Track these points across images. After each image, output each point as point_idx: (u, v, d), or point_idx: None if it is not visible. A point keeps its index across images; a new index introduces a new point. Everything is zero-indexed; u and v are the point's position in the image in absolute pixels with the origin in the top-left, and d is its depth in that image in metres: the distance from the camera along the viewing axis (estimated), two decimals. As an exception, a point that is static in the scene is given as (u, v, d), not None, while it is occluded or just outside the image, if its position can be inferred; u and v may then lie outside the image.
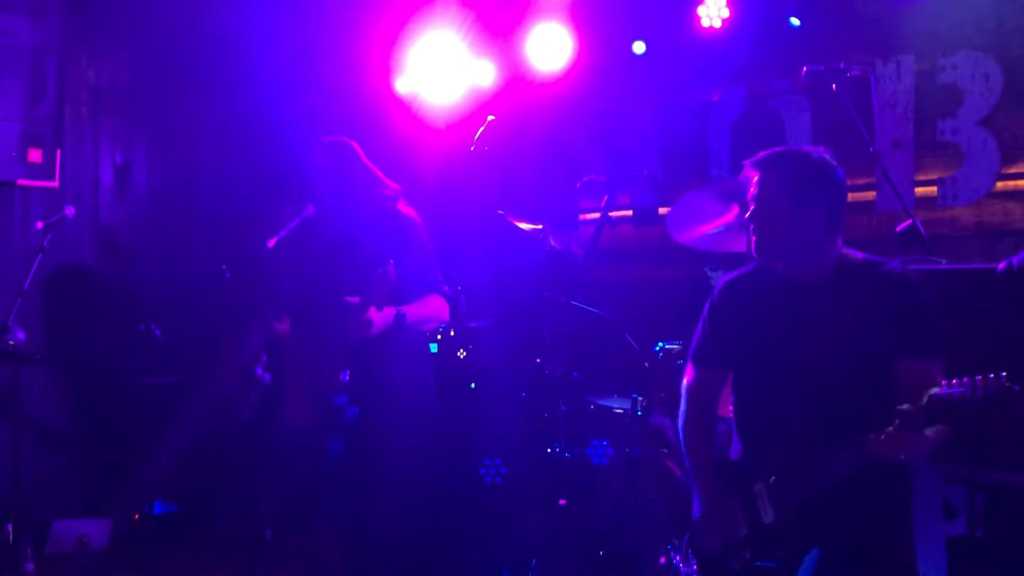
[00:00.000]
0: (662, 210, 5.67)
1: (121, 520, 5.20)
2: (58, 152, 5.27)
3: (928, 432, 2.30)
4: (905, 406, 2.29)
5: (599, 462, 3.99)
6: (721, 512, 2.66)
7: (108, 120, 5.88)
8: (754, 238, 2.61)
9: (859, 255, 2.65)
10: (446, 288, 3.73)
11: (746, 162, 2.66)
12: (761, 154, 2.64)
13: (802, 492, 2.51)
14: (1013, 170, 4.64)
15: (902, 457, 2.38)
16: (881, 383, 2.50)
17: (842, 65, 3.95)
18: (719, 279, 2.89)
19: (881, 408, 2.40)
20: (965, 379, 2.23)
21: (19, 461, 4.15)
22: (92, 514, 5.26)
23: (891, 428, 2.30)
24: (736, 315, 2.74)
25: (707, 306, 2.85)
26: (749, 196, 2.60)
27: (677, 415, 2.97)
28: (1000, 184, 4.66)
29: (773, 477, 2.56)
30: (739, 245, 3.78)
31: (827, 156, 2.60)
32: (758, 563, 2.57)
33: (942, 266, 3.47)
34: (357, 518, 3.63)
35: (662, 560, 3.83)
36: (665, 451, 4.25)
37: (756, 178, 2.59)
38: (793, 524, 2.53)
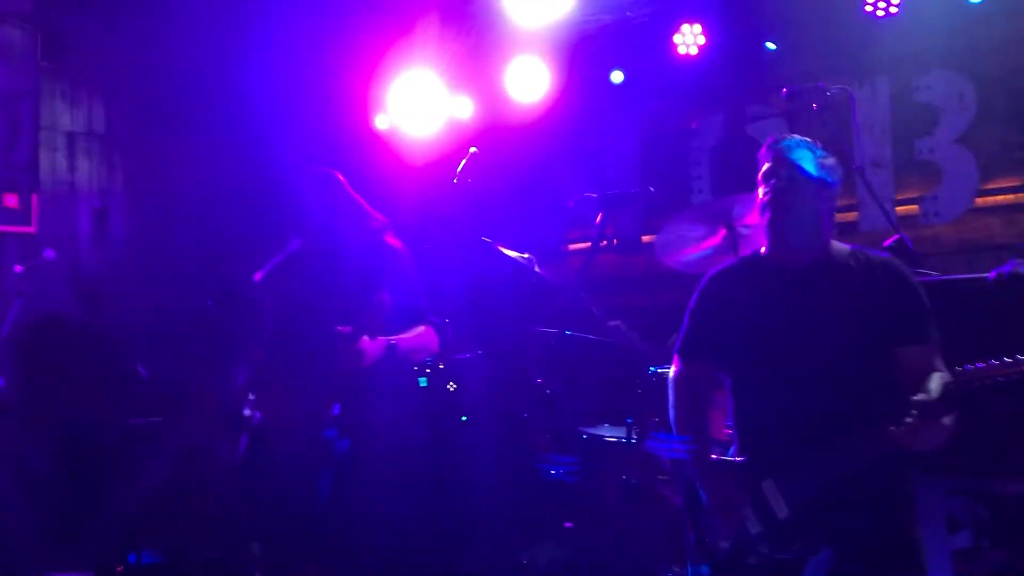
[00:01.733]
0: (646, 238, 5.69)
1: (103, 573, 5.05)
2: (34, 197, 5.21)
3: (945, 421, 2.28)
4: (922, 396, 2.27)
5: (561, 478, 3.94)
6: (729, 500, 2.60)
7: (84, 164, 5.83)
8: (770, 213, 2.61)
9: (847, 245, 2.68)
10: (434, 319, 3.69)
11: (770, 142, 2.69)
12: (770, 144, 2.68)
13: (815, 486, 2.48)
14: (991, 186, 4.69)
15: (920, 448, 2.34)
16: (882, 370, 2.50)
17: (821, 85, 4.00)
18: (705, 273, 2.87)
19: (885, 395, 2.39)
20: (979, 364, 2.23)
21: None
22: (74, 567, 5.11)
23: (909, 419, 2.28)
24: (727, 307, 2.72)
25: (694, 299, 2.83)
26: (770, 173, 2.62)
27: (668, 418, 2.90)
28: (979, 200, 4.72)
29: (782, 472, 2.52)
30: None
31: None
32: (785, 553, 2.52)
33: (934, 277, 3.48)
34: (348, 554, 3.55)
35: (663, 588, 3.77)
36: (661, 478, 4.20)
37: (784, 155, 2.61)
38: (809, 518, 2.49)
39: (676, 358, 2.88)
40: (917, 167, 4.91)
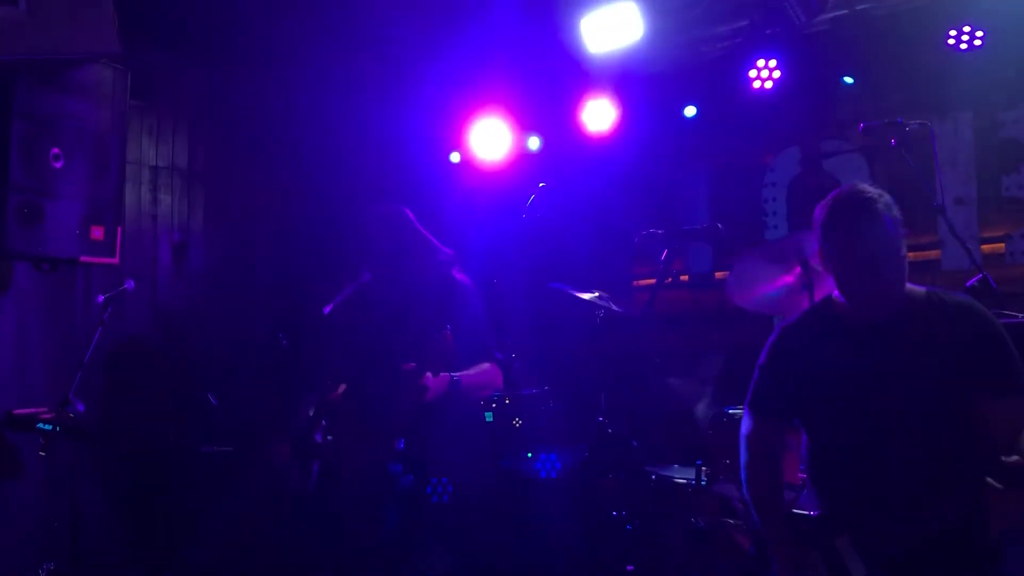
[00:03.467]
0: (719, 274, 5.60)
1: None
2: (119, 230, 5.38)
3: None
4: (1014, 458, 2.17)
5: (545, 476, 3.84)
6: (801, 566, 2.51)
7: (166, 198, 6.03)
8: (857, 286, 2.47)
9: (921, 288, 2.54)
10: (499, 355, 3.67)
11: (837, 195, 2.53)
12: (840, 200, 2.51)
13: (896, 547, 2.37)
14: (1083, 224, 4.49)
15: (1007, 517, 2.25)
16: (970, 424, 2.36)
17: (900, 120, 3.89)
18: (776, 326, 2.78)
19: (974, 451, 2.27)
20: None
21: (78, 537, 4.12)
22: (145, 592, 5.21)
23: (996, 484, 2.19)
24: (801, 361, 2.61)
25: (765, 353, 2.73)
26: (851, 230, 2.45)
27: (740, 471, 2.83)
28: (1072, 238, 4.51)
29: (861, 530, 2.41)
30: (800, 305, 3.67)
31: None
32: None
33: (1021, 319, 3.33)
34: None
35: (732, 637, 3.65)
36: (732, 522, 4.08)
37: (861, 210, 2.45)
38: None
39: (747, 414, 2.78)
40: (1004, 204, 4.73)
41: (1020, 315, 3.42)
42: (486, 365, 3.56)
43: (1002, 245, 4.73)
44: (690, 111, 5.57)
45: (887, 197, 2.49)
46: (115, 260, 5.50)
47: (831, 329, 2.59)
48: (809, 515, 2.61)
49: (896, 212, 2.47)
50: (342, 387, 3.63)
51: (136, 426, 5.44)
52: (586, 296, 4.52)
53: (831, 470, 2.60)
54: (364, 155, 6.10)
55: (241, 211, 6.29)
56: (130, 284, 4.67)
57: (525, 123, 6.06)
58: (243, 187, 6.28)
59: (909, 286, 2.52)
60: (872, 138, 4.39)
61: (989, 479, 2.16)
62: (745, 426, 2.78)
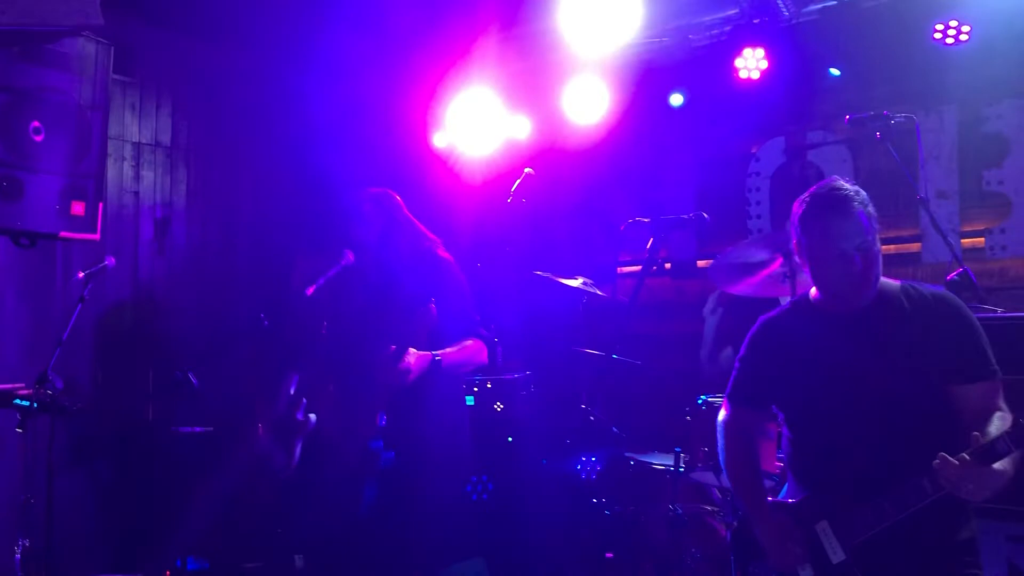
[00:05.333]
0: (701, 263, 5.62)
1: (152, 576, 5.13)
2: (100, 206, 5.33)
3: (997, 467, 2.20)
4: (976, 435, 2.21)
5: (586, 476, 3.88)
6: (788, 538, 2.54)
7: (149, 175, 5.98)
8: (832, 279, 2.52)
9: (895, 281, 2.60)
10: (484, 332, 3.68)
11: (815, 193, 2.56)
12: (817, 197, 2.55)
13: (871, 529, 2.42)
14: (1063, 220, 4.53)
15: (971, 495, 2.25)
16: (942, 410, 2.42)
17: (885, 113, 3.91)
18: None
19: (945, 435, 2.32)
20: None
21: (53, 515, 4.09)
22: (122, 570, 5.19)
23: (959, 463, 2.20)
24: (778, 355, 2.67)
25: (745, 346, 2.78)
26: (830, 232, 2.48)
27: (718, 460, 2.87)
28: (1051, 234, 4.56)
29: (838, 515, 2.47)
30: (782, 291, 3.70)
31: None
32: None
33: (1000, 314, 3.36)
34: (388, 566, 3.54)
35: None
36: (708, 508, 4.12)
37: (829, 221, 2.48)
38: (865, 563, 2.43)
39: (726, 403, 2.84)
40: (985, 198, 4.77)
41: (999, 310, 3.46)
42: (469, 341, 3.57)
43: (982, 239, 4.77)
44: (677, 100, 5.57)
45: (863, 194, 2.53)
46: (96, 236, 5.45)
47: (808, 322, 2.64)
48: (788, 502, 2.65)
49: (871, 209, 2.52)
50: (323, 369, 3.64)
51: (116, 404, 5.41)
52: (571, 283, 4.53)
53: (809, 458, 2.65)
54: (350, 135, 6.06)
55: (224, 189, 6.24)
56: (110, 261, 4.63)
57: (513, 108, 6.04)
58: (227, 164, 6.24)
59: (884, 280, 2.56)
60: (857, 130, 4.40)
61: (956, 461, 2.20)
62: (723, 415, 2.84)
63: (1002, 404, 2.39)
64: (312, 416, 3.38)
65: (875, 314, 2.53)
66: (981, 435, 2.22)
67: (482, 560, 4.03)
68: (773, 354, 2.69)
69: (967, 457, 2.21)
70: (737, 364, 2.80)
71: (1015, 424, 2.19)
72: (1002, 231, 4.70)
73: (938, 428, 2.40)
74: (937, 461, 2.24)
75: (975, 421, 2.31)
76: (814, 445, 2.63)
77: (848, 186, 2.54)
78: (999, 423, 2.27)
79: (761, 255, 3.73)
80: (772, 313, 2.77)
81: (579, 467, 4.39)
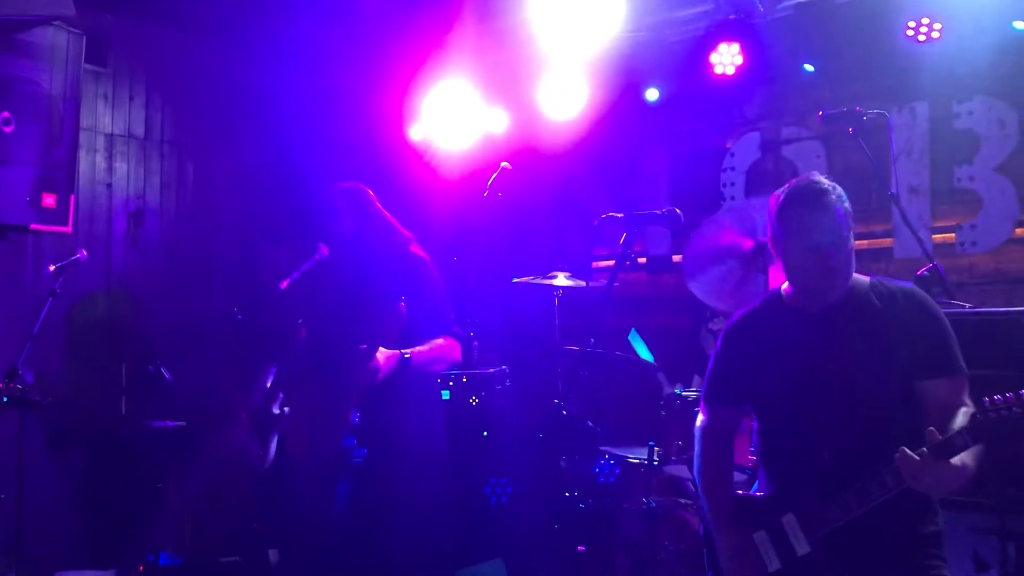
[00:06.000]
0: (676, 257, 5.65)
1: (125, 572, 5.09)
2: (72, 198, 5.27)
3: (956, 462, 2.23)
4: (932, 431, 2.24)
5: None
6: (746, 554, 2.59)
7: (122, 166, 5.92)
8: (806, 274, 2.54)
9: (865, 277, 2.61)
10: (457, 329, 3.69)
11: (790, 190, 2.57)
12: (794, 191, 2.56)
13: (835, 522, 2.45)
14: (1032, 216, 4.59)
15: (931, 488, 2.30)
16: (908, 405, 2.45)
17: (858, 109, 3.94)
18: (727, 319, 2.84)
19: (911, 431, 2.34)
20: (1009, 395, 2.18)
21: (23, 508, 4.06)
22: (95, 565, 5.15)
23: (918, 457, 2.23)
24: (751, 351, 2.69)
25: (718, 344, 2.81)
26: (804, 226, 2.50)
27: (693, 459, 2.90)
28: (1020, 230, 4.62)
29: (804, 508, 2.50)
30: (754, 289, 3.71)
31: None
32: None
33: (968, 310, 3.41)
34: (363, 566, 3.55)
35: (680, 614, 3.72)
36: (682, 501, 4.15)
37: (806, 216, 2.50)
38: (830, 556, 2.47)
39: (703, 405, 2.87)
40: (956, 195, 4.83)
41: (967, 305, 3.51)
42: (440, 339, 3.57)
43: (952, 235, 4.82)
44: (653, 95, 5.59)
45: (839, 189, 2.55)
46: (67, 228, 5.40)
47: (779, 317, 2.67)
48: (756, 496, 2.69)
49: (847, 205, 2.54)
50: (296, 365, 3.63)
51: (87, 398, 5.36)
52: (556, 281, 4.54)
53: (778, 452, 2.68)
54: (325, 127, 6.03)
55: (199, 181, 6.19)
56: (82, 254, 4.58)
57: (490, 100, 6.03)
58: (202, 157, 6.19)
59: (855, 276, 2.58)
60: (831, 126, 4.43)
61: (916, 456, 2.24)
62: (701, 419, 2.86)
63: (967, 400, 2.41)
64: (287, 410, 3.38)
65: (845, 310, 2.55)
66: (940, 431, 2.24)
67: (500, 561, 4.04)
68: (744, 350, 2.72)
69: (926, 452, 2.23)
70: (711, 363, 2.83)
71: (972, 419, 2.22)
72: (972, 227, 4.76)
73: (905, 424, 2.42)
74: (897, 455, 2.27)
75: (940, 417, 2.33)
76: (783, 440, 2.65)
77: (825, 181, 2.56)
78: (963, 419, 2.30)
79: (729, 236, 3.69)
80: (744, 310, 2.80)
81: (597, 470, 4.42)
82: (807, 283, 2.57)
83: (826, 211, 2.49)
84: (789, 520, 2.52)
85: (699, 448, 2.83)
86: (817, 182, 2.55)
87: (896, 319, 2.50)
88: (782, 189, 2.61)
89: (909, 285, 2.61)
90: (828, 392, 2.51)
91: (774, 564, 2.54)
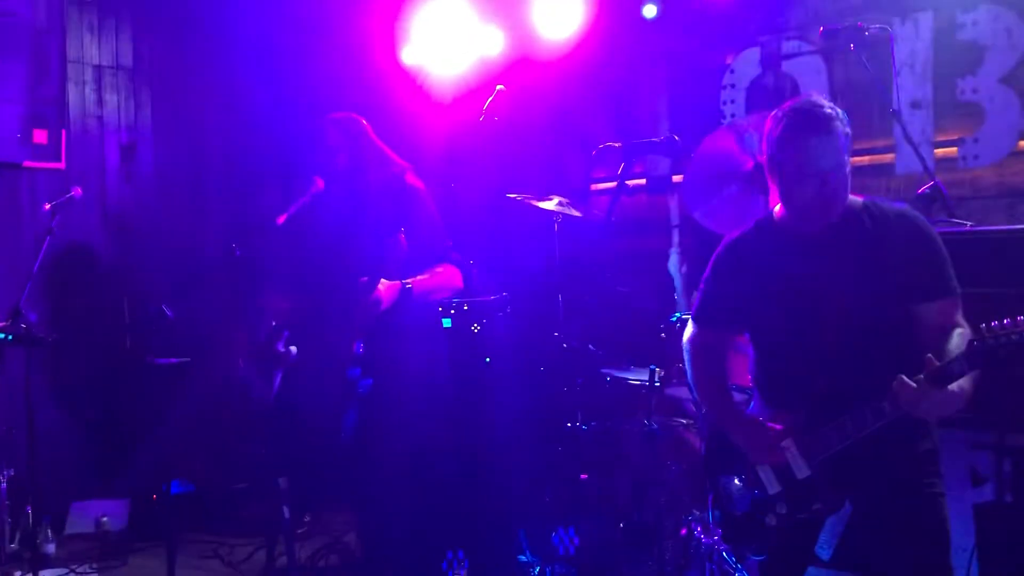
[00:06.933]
0: (676, 178, 5.59)
1: (139, 500, 5.22)
2: (63, 133, 5.21)
3: (954, 388, 2.23)
4: (931, 358, 2.24)
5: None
6: (747, 460, 2.61)
7: (112, 98, 5.83)
8: (801, 199, 2.50)
9: (860, 197, 2.58)
10: (456, 257, 3.69)
11: (779, 124, 2.50)
12: (793, 114, 2.49)
13: (834, 448, 2.47)
14: (1035, 129, 4.52)
15: (928, 414, 2.33)
16: (902, 328, 2.44)
17: (860, 24, 3.85)
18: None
19: (906, 353, 2.35)
20: (1007, 320, 2.17)
21: (35, 444, 4.14)
22: (110, 495, 5.27)
23: (915, 385, 2.24)
24: (743, 274, 2.68)
25: (711, 266, 2.79)
26: (790, 158, 2.46)
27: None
28: (1023, 143, 4.55)
29: (802, 433, 2.52)
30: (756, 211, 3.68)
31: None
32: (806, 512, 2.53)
33: (968, 228, 3.39)
34: (371, 492, 3.63)
35: (683, 531, 3.80)
36: (683, 422, 4.20)
37: (804, 141, 2.45)
38: (829, 477, 2.49)
39: (692, 324, 2.86)
40: (959, 108, 4.73)
41: (968, 223, 3.48)
42: (442, 267, 3.58)
43: (955, 149, 4.76)
44: (650, 11, 5.45)
45: (840, 112, 2.50)
46: (61, 165, 5.36)
47: (772, 241, 2.64)
48: (755, 420, 2.68)
49: (847, 128, 2.49)
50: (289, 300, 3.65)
51: (89, 336, 5.40)
52: (546, 204, 4.50)
53: (774, 376, 2.69)
54: (316, 56, 5.91)
55: (191, 112, 6.10)
56: (77, 192, 4.54)
57: (485, 19, 5.88)
58: (192, 87, 6.08)
59: (849, 197, 2.55)
60: (832, 42, 4.33)
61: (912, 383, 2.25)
62: (688, 332, 2.87)
63: (961, 320, 2.42)
64: (293, 348, 3.42)
65: (838, 233, 2.53)
66: (937, 357, 2.24)
67: None
68: (736, 275, 2.70)
69: (922, 379, 2.24)
70: (702, 285, 2.82)
71: (969, 345, 2.22)
72: (975, 140, 4.69)
73: (898, 347, 2.43)
74: (895, 383, 2.28)
75: (935, 339, 2.34)
76: (777, 364, 2.66)
77: (826, 103, 2.49)
78: (958, 340, 2.31)
79: (729, 157, 3.63)
80: (736, 233, 2.77)
81: (559, 386, 4.43)
82: (805, 209, 2.54)
83: (826, 136, 2.44)
84: (788, 445, 2.54)
85: (688, 359, 2.86)
86: (818, 104, 2.49)
87: (889, 241, 2.48)
88: (780, 111, 2.54)
89: (902, 206, 2.58)
90: (821, 317, 2.51)
91: (774, 487, 2.58)
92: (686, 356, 2.87)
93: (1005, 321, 2.19)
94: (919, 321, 2.44)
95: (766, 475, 2.59)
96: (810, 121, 2.46)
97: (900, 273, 2.44)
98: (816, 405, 2.51)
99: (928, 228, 2.52)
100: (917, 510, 2.47)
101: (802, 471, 2.53)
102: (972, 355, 2.21)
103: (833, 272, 2.51)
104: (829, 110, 2.47)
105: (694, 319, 2.85)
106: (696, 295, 2.84)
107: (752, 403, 2.81)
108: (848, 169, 2.49)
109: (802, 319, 2.55)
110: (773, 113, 2.56)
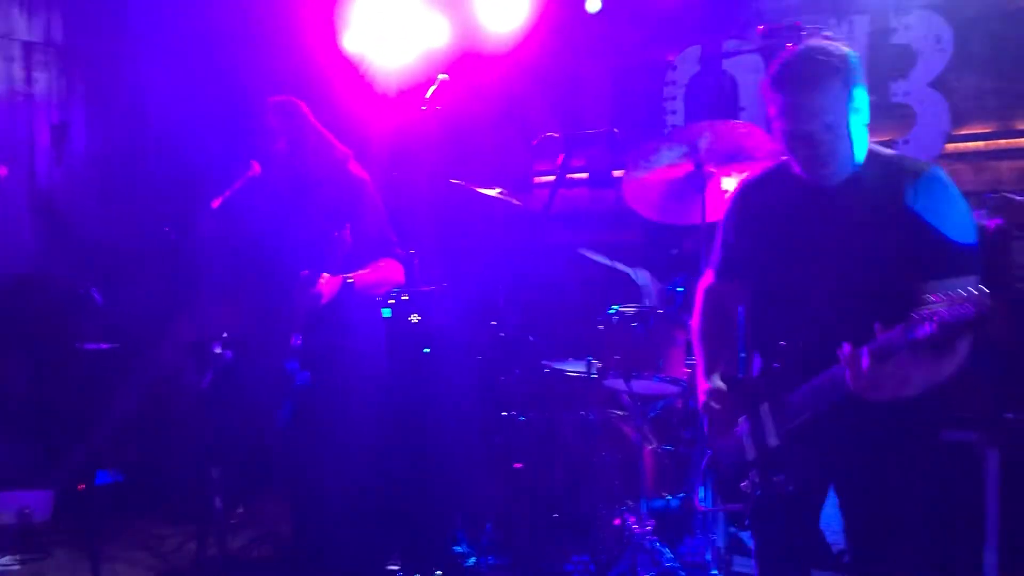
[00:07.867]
0: (617, 172, 5.63)
1: (64, 491, 5.08)
2: (-10, 110, 5.03)
3: (896, 367, 2.04)
4: (878, 327, 2.04)
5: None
6: (732, 422, 2.46)
7: (43, 76, 5.64)
8: (800, 152, 2.30)
9: (886, 151, 2.38)
10: (399, 251, 3.67)
11: (782, 70, 2.28)
12: (796, 60, 2.27)
13: (798, 417, 2.31)
14: (962, 132, 4.66)
15: (876, 395, 2.09)
16: (903, 301, 2.09)
17: (798, 23, 3.93)
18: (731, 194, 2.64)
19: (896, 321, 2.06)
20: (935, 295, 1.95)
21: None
22: (33, 485, 5.12)
23: (863, 360, 2.04)
24: (753, 222, 2.53)
25: (725, 212, 2.63)
26: (785, 114, 2.26)
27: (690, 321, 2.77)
28: (950, 146, 4.69)
29: (777, 398, 2.36)
30: (694, 207, 3.73)
31: (841, 45, 2.32)
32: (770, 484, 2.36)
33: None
34: (307, 484, 3.60)
35: (616, 522, 3.84)
36: (619, 413, 4.25)
37: (794, 101, 2.24)
38: (796, 450, 2.32)
39: (709, 270, 2.71)
40: (891, 110, 4.86)
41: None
42: (385, 261, 3.56)
43: (888, 151, 4.88)
44: (593, 5, 5.47)
45: (845, 57, 2.26)
46: (-13, 144, 5.18)
47: (785, 189, 2.46)
48: (738, 378, 2.58)
49: (856, 74, 2.27)
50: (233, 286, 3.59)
51: (14, 321, 5.23)
52: (487, 192, 4.50)
53: (766, 333, 2.51)
54: (257, 39, 5.80)
55: (127, 93, 5.94)
56: (3, 170, 4.40)
57: (430, 6, 5.84)
58: (128, 67, 5.91)
59: (877, 149, 2.36)
60: (771, 40, 4.40)
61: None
62: (704, 280, 2.73)
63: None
64: (228, 352, 3.36)
65: (847, 189, 2.32)
66: (883, 328, 2.04)
67: None
68: (746, 222, 2.56)
69: (865, 351, 2.05)
70: (719, 232, 2.67)
71: (909, 319, 1.98)
72: (906, 142, 4.82)
73: (892, 315, 2.11)
74: (841, 352, 2.08)
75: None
76: (771, 320, 2.50)
77: (827, 48, 2.27)
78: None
79: (669, 164, 3.69)
80: (754, 176, 2.62)
81: (497, 377, 4.44)
82: (802, 161, 2.35)
83: (818, 91, 2.21)
84: (764, 409, 2.40)
85: (699, 305, 2.69)
86: (812, 58, 2.25)
87: (902, 207, 2.24)
88: (786, 55, 2.32)
89: (933, 169, 2.31)
90: (816, 276, 2.35)
91: (751, 453, 2.42)
92: (697, 299, 2.70)
93: (935, 296, 1.96)
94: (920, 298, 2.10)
95: (747, 440, 2.44)
96: (798, 74, 2.25)
97: (908, 245, 2.23)
98: (797, 370, 2.34)
99: (953, 198, 2.27)
100: (889, 498, 2.31)
101: (772, 439, 2.37)
102: (910, 327, 1.97)
103: (837, 232, 2.32)
104: (822, 59, 2.24)
105: (711, 266, 2.71)
106: (714, 244, 2.69)
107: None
108: (851, 122, 2.25)
109: (795, 275, 2.40)
110: (780, 56, 2.35)
